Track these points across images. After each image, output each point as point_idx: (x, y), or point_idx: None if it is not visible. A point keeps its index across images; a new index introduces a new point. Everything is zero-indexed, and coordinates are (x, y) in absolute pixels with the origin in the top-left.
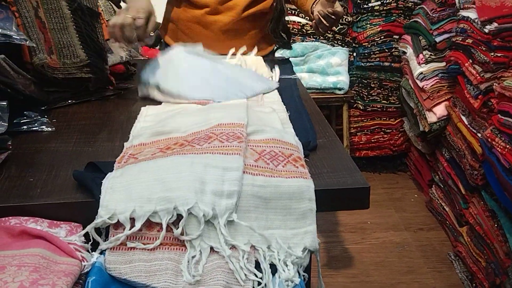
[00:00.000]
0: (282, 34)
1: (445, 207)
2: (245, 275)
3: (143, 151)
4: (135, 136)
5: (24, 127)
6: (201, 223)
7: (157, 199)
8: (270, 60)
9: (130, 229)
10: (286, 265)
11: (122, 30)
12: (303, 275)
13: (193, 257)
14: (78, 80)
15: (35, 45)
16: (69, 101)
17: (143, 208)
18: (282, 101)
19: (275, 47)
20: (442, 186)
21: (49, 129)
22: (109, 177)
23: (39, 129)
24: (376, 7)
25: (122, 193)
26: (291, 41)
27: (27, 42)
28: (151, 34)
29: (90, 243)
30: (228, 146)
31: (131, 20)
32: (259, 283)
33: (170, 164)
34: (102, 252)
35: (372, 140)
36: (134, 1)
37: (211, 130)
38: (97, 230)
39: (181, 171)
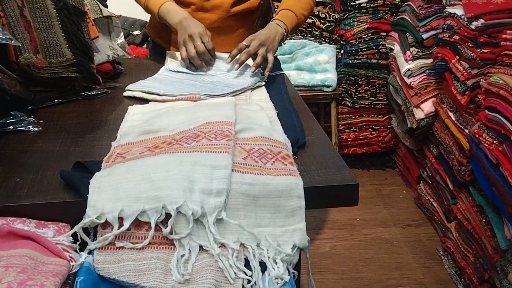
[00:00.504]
0: None
1: (433, 203)
2: (235, 273)
3: (130, 150)
4: (122, 135)
5: (10, 127)
6: (190, 222)
7: (145, 198)
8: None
9: (118, 229)
10: (276, 263)
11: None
12: (293, 273)
13: (182, 256)
14: (65, 79)
15: (20, 45)
16: (56, 100)
17: (132, 207)
18: (270, 98)
19: None
20: (430, 182)
21: (36, 129)
22: (97, 176)
23: (26, 129)
24: (363, 4)
25: (110, 193)
26: None
27: (13, 42)
28: (137, 33)
29: (78, 243)
30: (216, 145)
31: (203, 47)
32: (249, 281)
33: (158, 163)
34: (91, 252)
35: (360, 137)
36: (188, 26)
37: (199, 129)
38: (85, 230)
39: (169, 169)
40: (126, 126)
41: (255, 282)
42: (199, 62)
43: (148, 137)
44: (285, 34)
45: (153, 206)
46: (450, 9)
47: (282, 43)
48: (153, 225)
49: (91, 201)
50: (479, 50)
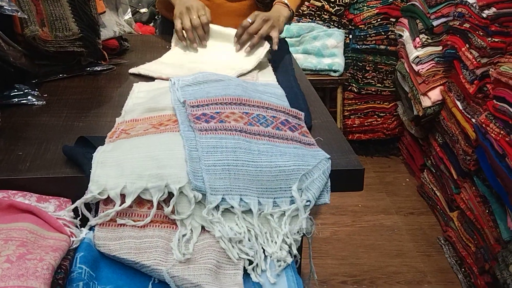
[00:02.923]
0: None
1: (436, 191)
2: (237, 254)
3: (135, 127)
4: (127, 112)
5: (14, 100)
6: (191, 203)
7: (148, 176)
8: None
9: (120, 205)
10: (277, 245)
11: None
12: (295, 255)
13: (183, 235)
14: (70, 54)
15: (26, 17)
16: (61, 75)
17: (134, 185)
18: (277, 81)
19: None
20: (434, 171)
21: (40, 102)
22: (100, 150)
23: (29, 103)
24: None
25: (113, 169)
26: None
27: (19, 13)
28: (144, 11)
29: (79, 218)
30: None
31: (199, 21)
32: (250, 263)
33: (162, 140)
34: (91, 228)
35: (366, 123)
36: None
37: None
38: (87, 205)
39: (174, 148)
40: (131, 103)
41: (257, 264)
42: (191, 36)
43: (153, 115)
44: (291, 14)
45: (156, 185)
46: None
47: (289, 23)
48: (155, 204)
49: (94, 177)
50: (489, 39)
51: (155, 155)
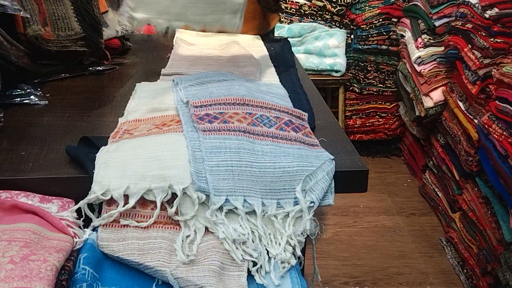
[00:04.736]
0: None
1: (438, 192)
2: (241, 255)
3: (138, 127)
4: (130, 112)
5: (17, 99)
6: (195, 204)
7: (152, 177)
8: (269, 40)
9: (123, 206)
10: (281, 247)
11: None
12: (299, 257)
13: (187, 236)
14: (73, 53)
15: (29, 16)
16: (63, 74)
17: (138, 185)
18: (280, 81)
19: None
20: (435, 172)
21: (42, 102)
22: (103, 150)
23: (32, 102)
24: None
25: (117, 169)
26: (289, 21)
27: (21, 13)
28: None
29: (82, 219)
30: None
31: None
32: (254, 264)
33: (166, 141)
34: (95, 229)
35: (367, 124)
36: None
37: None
38: (90, 206)
39: (177, 149)
40: (133, 103)
41: (261, 266)
42: None
43: (156, 115)
44: None
45: (159, 185)
46: None
47: None
48: (158, 204)
49: (97, 177)
50: (492, 39)
51: (159, 156)
